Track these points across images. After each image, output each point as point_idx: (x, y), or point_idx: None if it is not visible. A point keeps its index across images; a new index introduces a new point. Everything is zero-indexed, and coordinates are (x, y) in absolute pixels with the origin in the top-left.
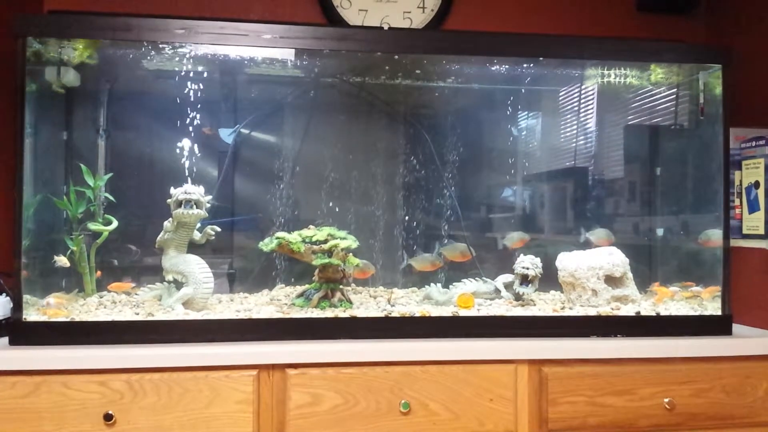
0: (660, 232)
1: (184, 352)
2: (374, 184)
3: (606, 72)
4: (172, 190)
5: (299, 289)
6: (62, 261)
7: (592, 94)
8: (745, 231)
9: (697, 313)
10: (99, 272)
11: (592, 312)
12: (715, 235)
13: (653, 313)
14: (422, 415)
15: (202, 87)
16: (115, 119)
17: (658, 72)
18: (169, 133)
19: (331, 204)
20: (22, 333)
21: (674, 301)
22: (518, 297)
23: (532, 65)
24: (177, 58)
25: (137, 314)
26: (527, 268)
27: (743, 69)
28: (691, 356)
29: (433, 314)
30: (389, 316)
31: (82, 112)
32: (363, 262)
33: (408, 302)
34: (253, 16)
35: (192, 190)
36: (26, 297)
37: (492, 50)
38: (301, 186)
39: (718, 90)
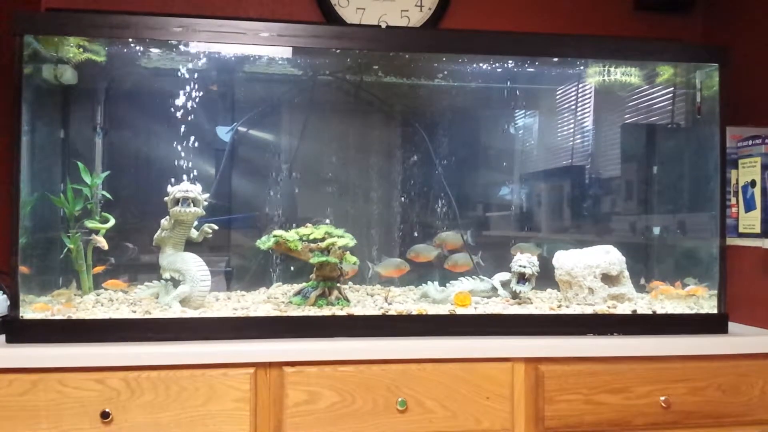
0: (656, 230)
1: (182, 350)
2: (371, 182)
3: (603, 70)
4: (170, 188)
5: (296, 287)
6: (100, 242)
7: (590, 92)
8: (741, 230)
9: (693, 312)
10: (99, 269)
11: (588, 310)
12: (449, 237)
13: (649, 312)
14: (419, 413)
15: (199, 85)
16: (112, 117)
17: (655, 71)
18: (166, 130)
19: (328, 205)
20: (19, 331)
21: (670, 299)
22: (515, 295)
23: (529, 64)
24: (174, 56)
25: (134, 312)
26: (524, 267)
27: (740, 68)
28: (687, 354)
29: (430, 312)
30: (386, 314)
31: (80, 109)
32: (398, 260)
33: (405, 300)
34: (251, 14)
35: (189, 188)
36: (23, 295)
37: (489, 49)
38: (298, 184)
39: (715, 89)
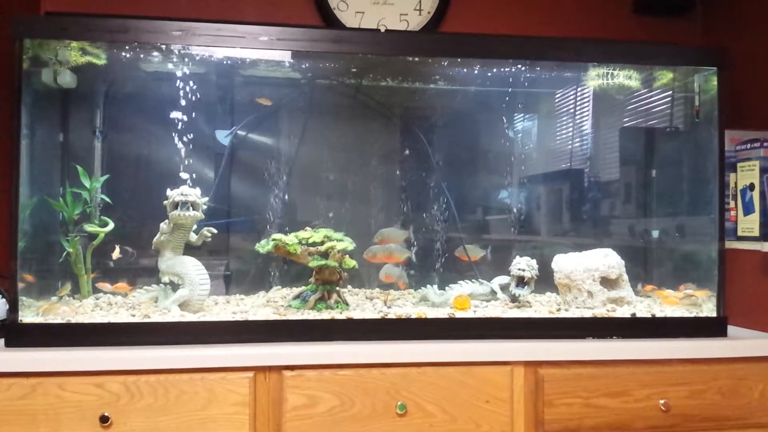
0: (655, 234)
1: (181, 354)
2: (371, 186)
3: (602, 74)
4: (169, 192)
5: (296, 290)
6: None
7: (588, 96)
8: (739, 233)
9: (692, 315)
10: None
11: (587, 313)
12: (391, 233)
13: (649, 315)
14: (418, 417)
15: (198, 89)
16: (111, 120)
17: (654, 74)
18: (165, 134)
19: (323, 208)
20: (18, 334)
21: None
22: (514, 299)
23: (527, 68)
24: (174, 60)
25: (133, 316)
26: (523, 270)
27: (739, 71)
28: (687, 358)
29: (429, 316)
30: (386, 317)
31: (79, 113)
32: (401, 248)
33: (404, 304)
34: (250, 18)
35: (188, 192)
36: (22, 299)
37: (488, 53)
38: (297, 188)
39: (714, 92)
